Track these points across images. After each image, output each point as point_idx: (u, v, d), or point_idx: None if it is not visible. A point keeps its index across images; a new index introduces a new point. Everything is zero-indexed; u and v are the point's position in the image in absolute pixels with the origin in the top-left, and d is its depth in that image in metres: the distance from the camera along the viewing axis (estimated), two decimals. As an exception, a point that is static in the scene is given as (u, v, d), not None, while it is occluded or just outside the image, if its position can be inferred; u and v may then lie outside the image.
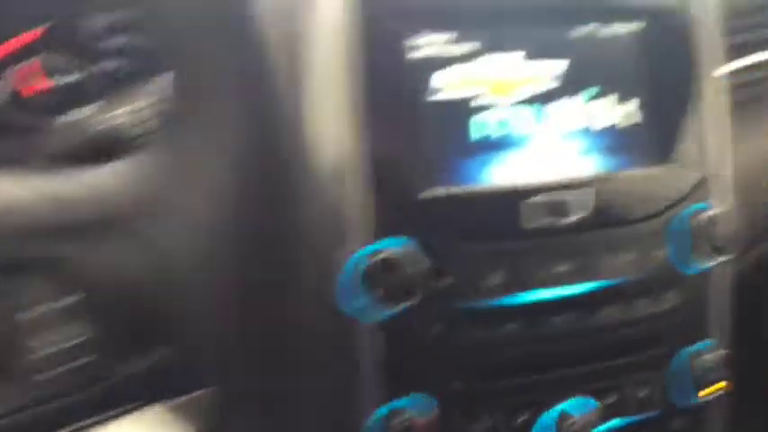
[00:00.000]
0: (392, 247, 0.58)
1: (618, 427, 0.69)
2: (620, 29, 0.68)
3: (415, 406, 0.62)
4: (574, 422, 0.64)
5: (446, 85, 0.62)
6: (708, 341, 0.72)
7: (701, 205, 0.69)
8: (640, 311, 0.68)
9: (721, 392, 0.71)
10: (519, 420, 0.66)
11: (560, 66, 0.65)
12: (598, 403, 0.67)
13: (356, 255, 0.59)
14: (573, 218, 0.64)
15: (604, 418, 0.67)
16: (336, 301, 0.60)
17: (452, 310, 0.62)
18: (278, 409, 0.68)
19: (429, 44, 0.62)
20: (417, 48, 0.61)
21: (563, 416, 0.65)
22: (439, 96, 0.62)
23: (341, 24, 0.59)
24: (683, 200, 0.69)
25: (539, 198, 0.63)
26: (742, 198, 0.75)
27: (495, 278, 0.63)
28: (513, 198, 0.63)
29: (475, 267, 0.62)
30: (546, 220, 0.64)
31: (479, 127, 0.63)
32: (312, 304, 0.62)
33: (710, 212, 0.68)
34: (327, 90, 0.60)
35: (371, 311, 0.59)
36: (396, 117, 0.61)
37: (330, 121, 0.60)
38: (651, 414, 0.70)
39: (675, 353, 0.71)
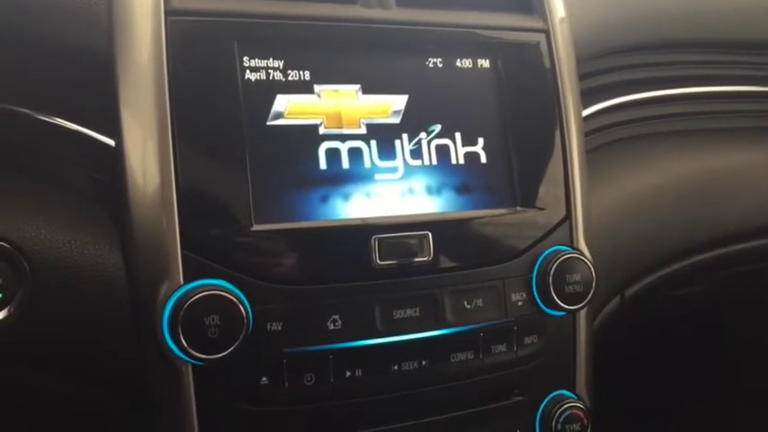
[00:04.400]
0: (207, 289, 0.54)
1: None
2: (467, 64, 0.67)
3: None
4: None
5: (278, 114, 0.59)
6: (569, 390, 0.69)
7: (560, 247, 0.67)
8: (498, 358, 0.65)
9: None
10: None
11: (400, 101, 0.63)
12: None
13: (174, 295, 0.54)
14: (416, 260, 0.61)
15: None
16: (159, 340, 0.54)
17: (282, 357, 0.57)
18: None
19: (259, 69, 0.59)
20: (247, 71, 0.59)
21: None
22: (270, 124, 0.59)
23: (158, 44, 0.56)
24: (539, 242, 0.67)
25: (376, 238, 0.60)
26: (602, 243, 0.74)
27: (331, 323, 0.58)
28: (349, 237, 0.60)
29: (307, 311, 0.58)
30: (386, 262, 0.60)
31: (310, 159, 0.60)
32: (138, 343, 0.57)
33: (568, 256, 0.66)
34: (142, 110, 0.56)
35: (188, 356, 0.53)
36: (218, 143, 0.57)
37: (147, 146, 0.55)
38: None
39: (536, 401, 0.68)
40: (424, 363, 0.62)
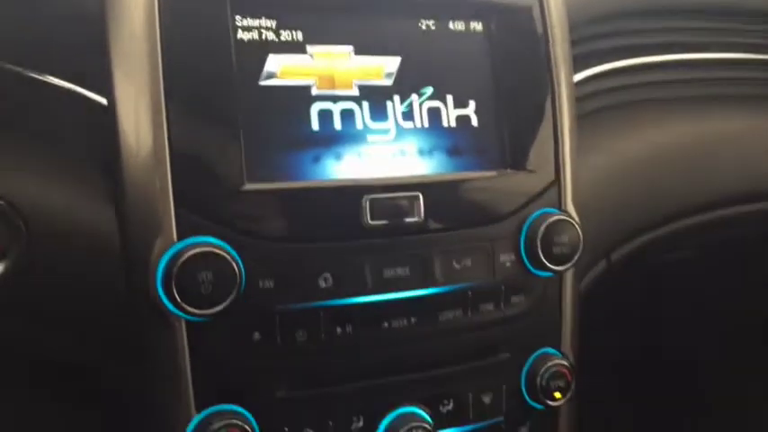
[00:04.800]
0: (200, 246, 0.54)
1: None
2: (459, 27, 0.67)
3: (232, 415, 0.57)
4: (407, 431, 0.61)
5: (270, 74, 0.59)
6: (554, 349, 0.71)
7: (548, 210, 0.68)
8: (486, 317, 0.66)
9: (568, 400, 0.70)
10: (347, 430, 0.62)
11: (393, 63, 0.64)
12: (432, 413, 0.64)
13: (168, 252, 0.55)
14: (407, 220, 0.62)
15: (441, 425, 0.64)
16: (153, 296, 0.55)
17: (274, 314, 0.58)
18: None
19: (251, 29, 0.59)
20: (239, 30, 0.59)
21: (396, 424, 0.61)
22: (262, 84, 0.59)
23: (150, 2, 0.55)
24: (528, 204, 0.68)
25: (368, 198, 0.61)
26: (590, 207, 0.75)
27: (322, 281, 0.59)
28: (340, 197, 0.60)
29: (299, 269, 0.59)
30: (377, 222, 0.61)
31: (302, 120, 0.60)
32: (131, 299, 0.58)
33: (556, 218, 0.67)
34: (134, 69, 0.56)
35: (182, 312, 0.54)
36: (211, 103, 0.57)
37: (139, 105, 0.56)
38: (495, 420, 0.68)
39: (522, 359, 0.69)
40: (413, 320, 0.63)
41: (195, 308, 0.54)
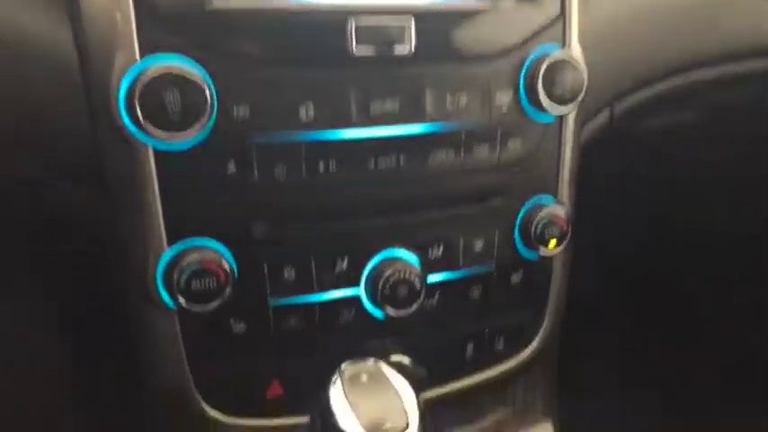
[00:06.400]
0: (166, 65, 0.49)
1: (451, 280, 0.64)
2: None
3: (208, 251, 0.54)
4: (394, 273, 0.58)
5: None
6: (550, 196, 0.67)
7: (550, 47, 0.63)
8: (479, 159, 0.62)
9: (563, 250, 0.67)
10: (331, 272, 0.59)
11: None
12: (420, 257, 0.61)
13: (130, 70, 0.50)
14: (396, 48, 0.57)
15: (430, 270, 0.62)
16: (116, 120, 0.51)
17: (250, 145, 0.54)
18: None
19: None
20: None
21: (382, 266, 0.59)
22: None
23: None
24: (530, 39, 0.62)
25: (353, 21, 0.55)
26: (596, 49, 0.69)
27: (303, 111, 0.54)
28: (323, 18, 0.55)
29: (277, 96, 0.54)
30: (363, 48, 0.56)
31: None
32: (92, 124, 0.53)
33: (559, 56, 0.62)
34: None
35: (146, 135, 0.50)
36: None
37: None
38: (486, 268, 0.65)
39: (516, 205, 0.66)
40: (401, 159, 0.59)
41: (161, 130, 0.50)
